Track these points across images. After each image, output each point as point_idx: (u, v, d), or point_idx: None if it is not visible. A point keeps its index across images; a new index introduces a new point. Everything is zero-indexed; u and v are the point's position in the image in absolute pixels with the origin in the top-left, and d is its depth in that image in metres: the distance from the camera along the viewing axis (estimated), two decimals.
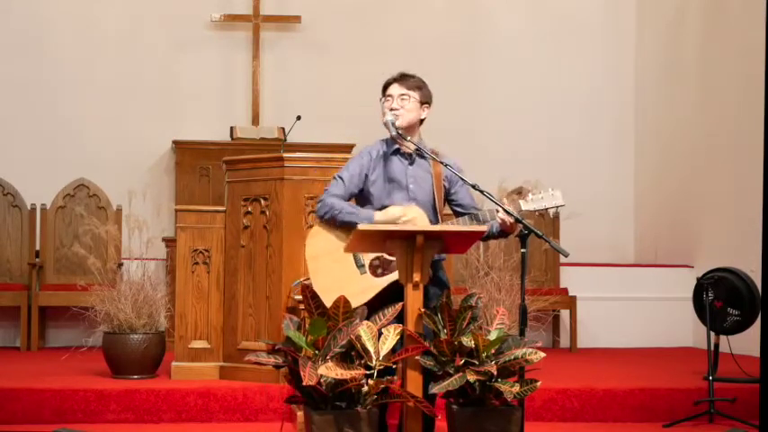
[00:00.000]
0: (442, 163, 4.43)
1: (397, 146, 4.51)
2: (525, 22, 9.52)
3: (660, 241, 9.09)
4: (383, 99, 4.51)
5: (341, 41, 9.31)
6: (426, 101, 4.53)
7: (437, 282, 4.39)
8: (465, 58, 9.41)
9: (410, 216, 4.35)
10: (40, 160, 8.73)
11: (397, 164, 4.49)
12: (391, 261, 4.29)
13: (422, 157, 4.50)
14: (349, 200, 4.48)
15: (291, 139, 8.02)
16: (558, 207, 4.48)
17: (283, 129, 8.55)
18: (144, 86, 9.05)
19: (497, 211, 4.33)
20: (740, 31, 7.89)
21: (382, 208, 4.42)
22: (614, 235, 9.39)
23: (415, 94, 4.49)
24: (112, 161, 8.72)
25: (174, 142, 8.85)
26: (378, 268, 4.37)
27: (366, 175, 4.47)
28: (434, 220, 4.46)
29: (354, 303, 4.13)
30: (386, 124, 4.43)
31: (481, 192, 4.29)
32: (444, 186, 4.52)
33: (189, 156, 8.79)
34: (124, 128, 8.96)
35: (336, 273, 4.32)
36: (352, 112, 8.32)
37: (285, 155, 5.77)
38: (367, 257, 4.38)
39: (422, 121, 4.54)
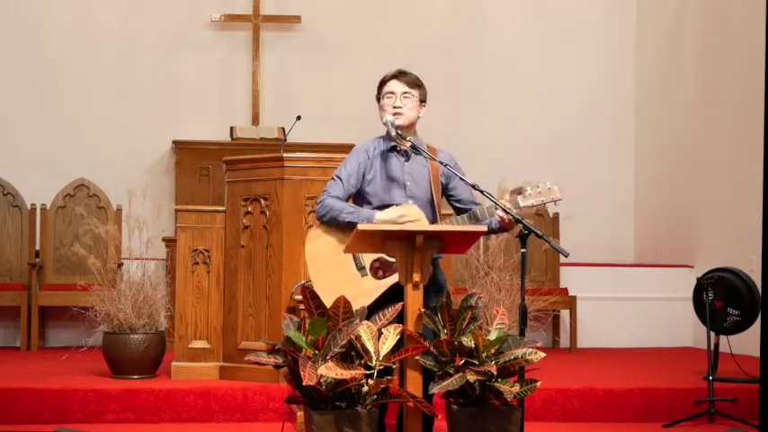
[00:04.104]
0: (441, 163, 4.42)
1: (393, 143, 4.49)
2: (525, 23, 9.53)
3: (660, 241, 9.09)
4: (383, 96, 4.48)
5: (341, 42, 9.31)
6: (424, 99, 4.52)
7: (435, 282, 4.39)
8: (465, 58, 9.41)
9: (412, 216, 4.34)
10: (40, 160, 8.74)
11: (393, 161, 4.47)
12: (392, 262, 4.28)
13: (417, 152, 4.48)
14: (348, 199, 4.46)
15: (291, 139, 8.03)
16: (556, 201, 4.42)
17: (283, 129, 8.56)
18: (144, 86, 9.05)
19: (496, 209, 4.32)
20: (740, 31, 7.89)
21: (381, 206, 4.40)
22: (614, 235, 9.39)
23: (416, 93, 4.47)
24: (112, 161, 8.73)
25: (174, 142, 8.86)
26: (378, 270, 4.36)
27: (363, 174, 4.45)
28: (432, 217, 4.44)
29: (357, 306, 4.13)
30: (385, 124, 4.42)
31: (481, 191, 4.29)
32: (442, 182, 4.50)
33: (189, 156, 8.79)
34: (124, 128, 8.97)
35: (337, 275, 4.31)
36: (352, 112, 8.31)
37: (285, 155, 5.77)
38: (367, 259, 4.36)
39: (418, 118, 4.54)
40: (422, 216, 4.37)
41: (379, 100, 4.51)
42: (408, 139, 4.43)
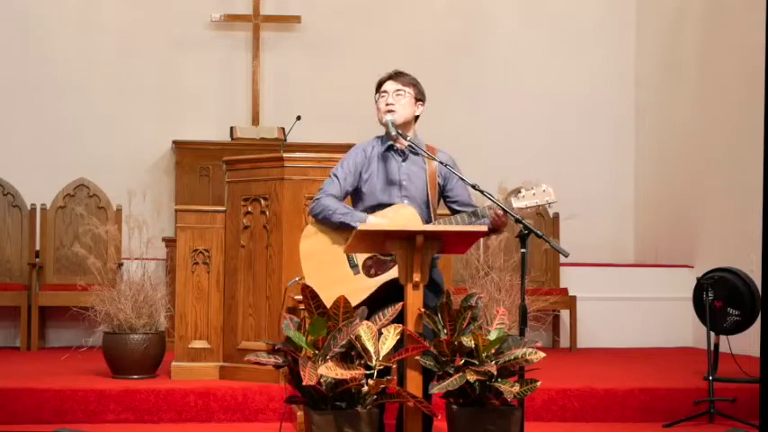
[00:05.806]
0: (441, 163, 4.44)
1: (390, 143, 4.53)
2: (525, 22, 9.53)
3: (660, 241, 9.09)
4: (378, 96, 4.53)
5: (341, 41, 9.31)
6: (421, 98, 4.56)
7: (432, 282, 4.39)
8: (465, 58, 9.41)
9: (404, 216, 4.35)
10: (40, 160, 8.74)
11: (391, 161, 4.51)
12: (384, 261, 4.30)
13: (415, 153, 4.51)
14: (344, 197, 4.50)
15: (291, 139, 8.02)
16: (550, 204, 4.48)
17: (283, 129, 8.56)
18: (144, 86, 9.05)
19: (490, 209, 4.34)
20: (740, 31, 7.89)
21: (376, 205, 4.44)
22: (614, 235, 9.39)
23: (411, 91, 4.52)
24: (112, 161, 8.73)
25: (174, 142, 8.85)
26: (371, 268, 4.37)
27: (360, 173, 4.49)
28: (427, 218, 4.47)
29: None
30: (385, 124, 4.46)
31: (481, 191, 4.29)
32: (439, 183, 4.53)
33: (189, 156, 8.79)
34: (124, 128, 8.97)
35: (330, 272, 4.33)
36: (352, 112, 8.31)
37: (285, 155, 5.77)
38: (360, 258, 4.38)
39: (416, 118, 4.57)
40: (416, 215, 4.40)
41: (377, 101, 4.56)
42: (408, 138, 4.46)
